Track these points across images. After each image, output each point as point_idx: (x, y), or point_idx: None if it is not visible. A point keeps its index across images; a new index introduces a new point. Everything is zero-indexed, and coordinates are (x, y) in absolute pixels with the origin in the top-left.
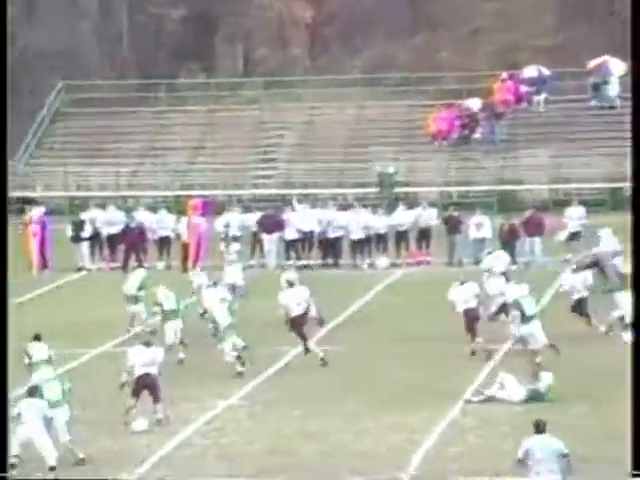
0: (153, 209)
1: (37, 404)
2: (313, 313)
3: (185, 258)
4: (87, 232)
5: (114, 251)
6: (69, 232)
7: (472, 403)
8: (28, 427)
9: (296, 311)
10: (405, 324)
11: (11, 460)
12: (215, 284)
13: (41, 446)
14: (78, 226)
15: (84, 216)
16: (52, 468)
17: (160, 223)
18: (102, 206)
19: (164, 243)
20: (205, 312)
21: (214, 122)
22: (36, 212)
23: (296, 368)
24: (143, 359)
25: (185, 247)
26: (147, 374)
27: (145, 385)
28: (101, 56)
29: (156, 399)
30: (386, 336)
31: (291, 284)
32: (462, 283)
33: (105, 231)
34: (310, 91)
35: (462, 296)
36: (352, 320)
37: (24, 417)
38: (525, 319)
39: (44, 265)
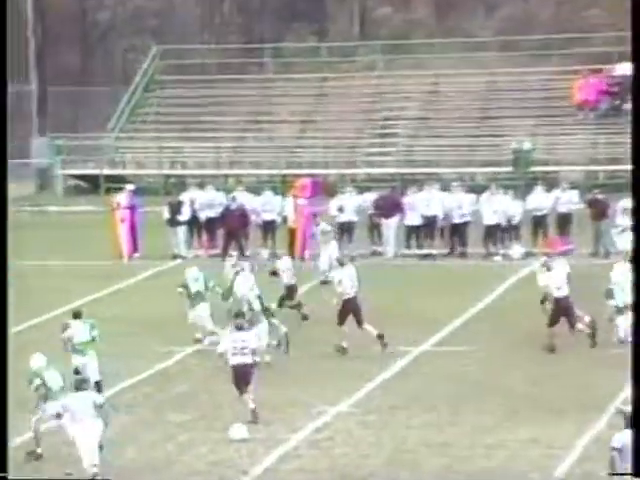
0: (256, 190)
1: (89, 397)
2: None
3: (292, 244)
4: (185, 215)
5: (213, 236)
6: (165, 215)
7: (622, 414)
8: (83, 425)
9: (351, 293)
10: (541, 323)
11: (93, 470)
12: (251, 270)
13: (94, 446)
14: (175, 208)
15: (183, 197)
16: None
17: (264, 205)
18: (200, 186)
19: (268, 228)
20: (225, 296)
21: (325, 92)
22: (123, 196)
23: (412, 371)
24: (235, 345)
25: (292, 232)
26: (242, 364)
27: (240, 375)
28: (200, 17)
29: (249, 388)
30: (519, 336)
31: (341, 263)
32: (549, 268)
33: (204, 214)
34: (436, 56)
35: (553, 282)
36: (479, 317)
37: (75, 414)
38: (618, 310)
39: (134, 252)
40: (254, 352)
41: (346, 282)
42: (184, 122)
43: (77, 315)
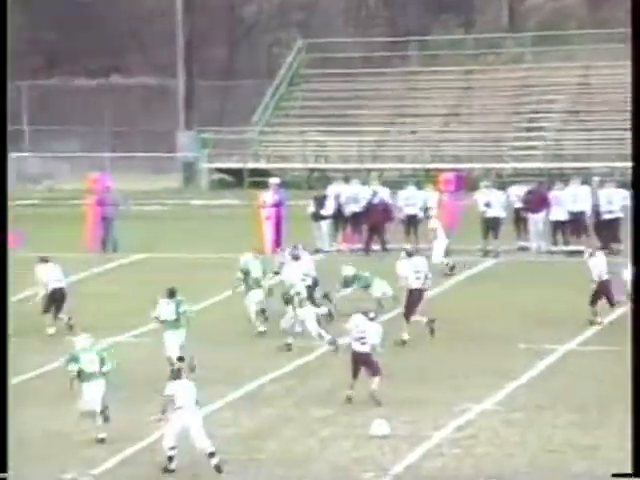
0: (398, 184)
1: (191, 386)
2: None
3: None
4: (329, 209)
5: (357, 231)
6: (310, 208)
7: None
8: (185, 413)
9: (415, 284)
10: None
11: (169, 453)
12: (297, 258)
13: (200, 434)
14: (320, 202)
15: (328, 191)
16: (212, 454)
17: (407, 200)
18: (346, 180)
19: (411, 223)
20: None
21: (471, 85)
22: (269, 194)
23: (558, 370)
24: (358, 331)
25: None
26: (358, 352)
27: (357, 362)
28: (345, 11)
29: (374, 374)
30: None
31: (409, 254)
32: (592, 254)
33: (349, 208)
34: (587, 47)
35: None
36: (626, 317)
37: (179, 402)
38: None
39: (277, 247)
40: (373, 346)
41: (410, 274)
42: (328, 116)
43: (171, 294)
